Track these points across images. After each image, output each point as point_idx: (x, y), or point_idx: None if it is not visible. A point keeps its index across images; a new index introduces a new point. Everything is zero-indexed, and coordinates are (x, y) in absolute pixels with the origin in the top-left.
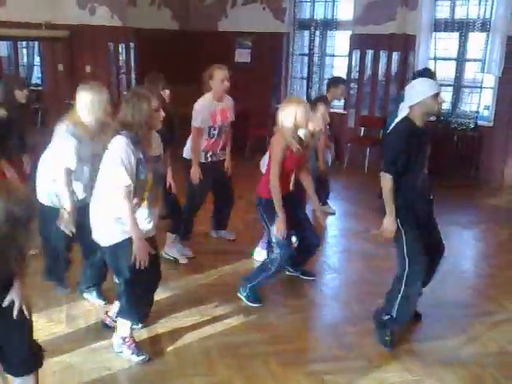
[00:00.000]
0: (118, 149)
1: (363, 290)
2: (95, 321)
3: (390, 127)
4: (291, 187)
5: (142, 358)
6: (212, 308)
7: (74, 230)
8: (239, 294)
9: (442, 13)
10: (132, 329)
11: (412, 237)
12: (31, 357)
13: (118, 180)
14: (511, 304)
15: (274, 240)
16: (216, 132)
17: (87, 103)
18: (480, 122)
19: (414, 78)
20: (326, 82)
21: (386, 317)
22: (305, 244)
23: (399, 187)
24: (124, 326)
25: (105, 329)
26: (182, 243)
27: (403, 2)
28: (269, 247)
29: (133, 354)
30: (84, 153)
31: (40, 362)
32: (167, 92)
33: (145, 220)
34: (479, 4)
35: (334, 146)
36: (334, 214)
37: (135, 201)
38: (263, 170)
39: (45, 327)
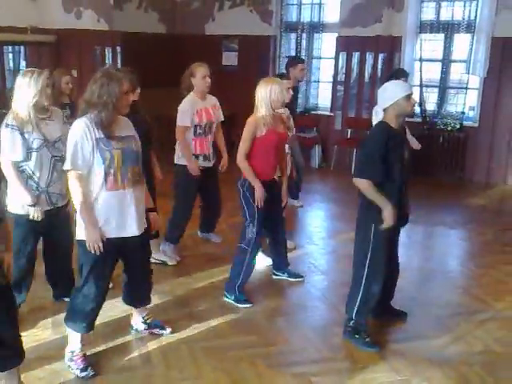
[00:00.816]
0: (71, 133)
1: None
2: None
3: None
4: (275, 175)
5: (84, 374)
6: (199, 311)
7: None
8: (226, 300)
9: (428, 14)
10: (82, 343)
11: (378, 237)
12: (18, 350)
13: (65, 163)
14: (497, 303)
15: (248, 219)
16: (202, 131)
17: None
18: (465, 123)
19: (387, 78)
20: (312, 84)
21: (352, 322)
22: (276, 243)
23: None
24: (74, 339)
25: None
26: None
27: (389, 4)
28: (244, 229)
29: (77, 369)
30: (31, 141)
31: (23, 357)
32: (137, 91)
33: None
34: (464, 6)
35: (320, 148)
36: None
37: (110, 179)
38: None
39: (30, 333)
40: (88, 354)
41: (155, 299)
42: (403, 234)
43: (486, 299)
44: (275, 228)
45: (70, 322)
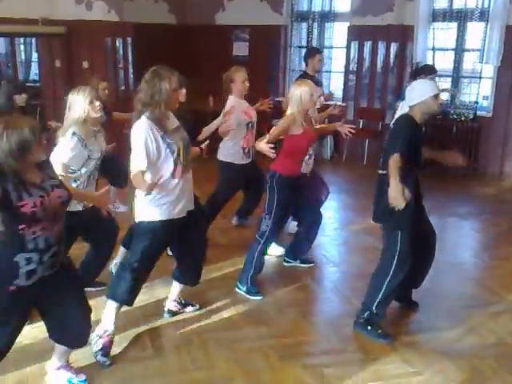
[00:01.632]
0: (137, 133)
1: (363, 282)
2: (93, 318)
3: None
4: (303, 170)
5: (103, 359)
6: (211, 302)
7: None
8: (238, 290)
9: (440, 3)
10: (115, 325)
11: (407, 236)
12: None
13: (134, 164)
14: (510, 295)
15: (267, 210)
16: (251, 125)
17: (73, 107)
18: (479, 113)
19: (413, 73)
20: (324, 74)
21: (366, 313)
22: (308, 222)
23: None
24: (109, 318)
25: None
26: None
27: None
28: (261, 220)
29: (99, 350)
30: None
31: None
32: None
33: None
34: None
35: (333, 139)
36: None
37: (179, 168)
38: None
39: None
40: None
41: (167, 291)
42: None
43: (500, 291)
44: (300, 208)
45: (111, 293)
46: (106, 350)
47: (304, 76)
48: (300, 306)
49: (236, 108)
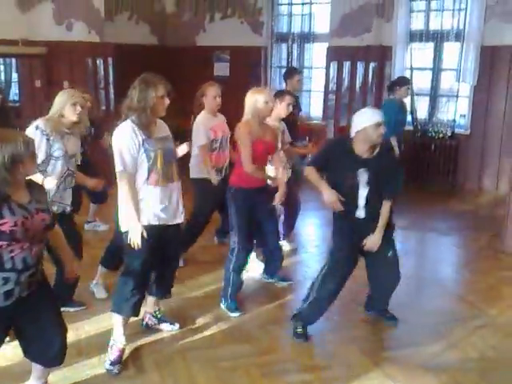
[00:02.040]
0: (120, 135)
1: (345, 298)
2: (73, 338)
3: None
4: (264, 183)
5: (111, 368)
6: (193, 320)
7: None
8: (221, 305)
9: (417, 24)
10: (124, 335)
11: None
12: None
13: (116, 166)
14: (491, 309)
15: (232, 228)
16: (217, 145)
17: (55, 103)
18: (457, 130)
19: (389, 86)
20: (304, 93)
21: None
22: (268, 250)
23: None
24: (118, 329)
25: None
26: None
27: (378, 14)
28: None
29: (109, 359)
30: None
31: None
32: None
33: (159, 203)
34: (453, 15)
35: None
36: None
37: (153, 176)
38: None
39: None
40: (83, 363)
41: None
42: (395, 240)
43: (481, 306)
44: (264, 236)
45: (115, 307)
46: (115, 359)
47: (283, 92)
48: (282, 323)
49: (203, 125)
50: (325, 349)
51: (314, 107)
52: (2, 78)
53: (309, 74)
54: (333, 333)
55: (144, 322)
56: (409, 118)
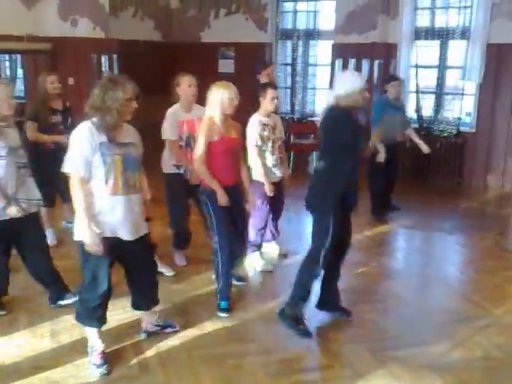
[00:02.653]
0: (78, 136)
1: (348, 297)
2: (79, 336)
3: None
4: (234, 181)
5: (99, 370)
6: (197, 318)
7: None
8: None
9: (423, 21)
10: (100, 339)
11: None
12: None
13: (67, 167)
14: (496, 309)
15: (211, 229)
16: (183, 143)
17: None
18: (462, 129)
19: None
20: (309, 91)
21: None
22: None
23: None
24: (91, 335)
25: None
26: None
27: (384, 12)
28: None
29: (94, 364)
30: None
31: None
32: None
33: (113, 210)
34: (458, 12)
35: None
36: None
37: (110, 183)
38: None
39: (28, 342)
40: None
41: None
42: (400, 239)
43: (486, 305)
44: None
45: (79, 318)
46: (99, 363)
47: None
48: None
49: (171, 116)
50: (329, 348)
51: (318, 104)
52: (8, 73)
53: (314, 72)
54: (337, 332)
55: (145, 331)
56: (414, 115)
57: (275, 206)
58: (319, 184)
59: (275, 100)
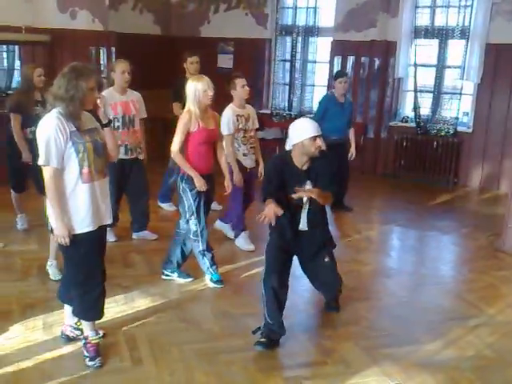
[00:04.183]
0: (46, 128)
1: (343, 295)
2: None
3: None
4: (209, 170)
5: (91, 363)
6: (190, 313)
7: None
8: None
9: (422, 20)
10: (94, 331)
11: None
12: None
13: (40, 159)
14: (489, 308)
15: (188, 213)
16: (119, 124)
17: None
18: (459, 128)
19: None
20: (307, 88)
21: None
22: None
23: None
24: (86, 326)
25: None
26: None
27: (384, 9)
28: (179, 220)
29: (87, 357)
30: None
31: None
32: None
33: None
34: (458, 12)
35: None
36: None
37: (85, 171)
38: None
39: (21, 334)
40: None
41: (146, 302)
42: (395, 238)
43: (479, 304)
44: None
45: (80, 315)
46: (92, 355)
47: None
48: None
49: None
50: (322, 345)
51: (316, 101)
52: (5, 64)
53: (312, 68)
54: (330, 329)
55: (64, 335)
56: (411, 114)
57: (246, 194)
58: None
59: (246, 87)
